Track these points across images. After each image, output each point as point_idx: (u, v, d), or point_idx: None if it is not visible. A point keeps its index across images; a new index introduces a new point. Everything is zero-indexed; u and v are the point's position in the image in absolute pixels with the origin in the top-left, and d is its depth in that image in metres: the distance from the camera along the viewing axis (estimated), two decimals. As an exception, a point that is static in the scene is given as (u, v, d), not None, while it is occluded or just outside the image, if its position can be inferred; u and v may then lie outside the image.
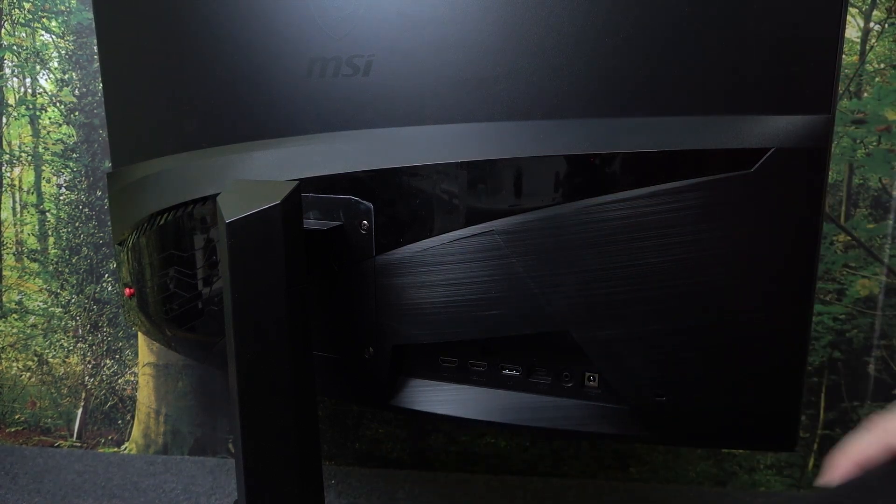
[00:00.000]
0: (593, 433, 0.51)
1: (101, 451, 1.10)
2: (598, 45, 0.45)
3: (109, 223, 1.02)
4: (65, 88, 1.00)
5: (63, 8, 0.97)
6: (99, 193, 1.03)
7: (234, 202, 0.46)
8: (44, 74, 1.00)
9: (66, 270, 1.05)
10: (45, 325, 1.07)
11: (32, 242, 1.05)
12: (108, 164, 1.01)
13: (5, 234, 1.05)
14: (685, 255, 0.44)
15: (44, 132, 1.01)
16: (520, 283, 0.48)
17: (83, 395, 1.09)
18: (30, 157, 1.02)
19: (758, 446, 0.49)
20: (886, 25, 0.86)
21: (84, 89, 1.00)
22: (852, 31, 0.86)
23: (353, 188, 0.52)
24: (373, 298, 0.53)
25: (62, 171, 1.02)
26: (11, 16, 0.98)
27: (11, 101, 1.01)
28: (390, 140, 0.50)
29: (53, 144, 1.01)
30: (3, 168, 1.03)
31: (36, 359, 1.08)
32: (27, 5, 0.98)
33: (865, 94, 0.87)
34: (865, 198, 0.90)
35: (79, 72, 0.99)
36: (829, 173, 0.82)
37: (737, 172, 0.43)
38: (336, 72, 0.52)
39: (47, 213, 1.04)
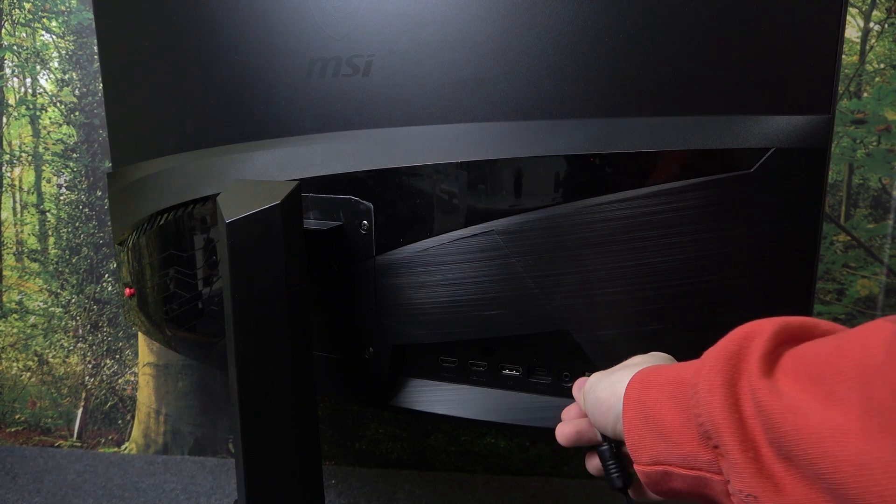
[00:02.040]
0: (593, 433, 0.51)
1: (101, 451, 1.10)
2: (598, 46, 0.45)
3: (109, 223, 1.02)
4: (65, 88, 1.00)
5: (63, 8, 0.97)
6: (99, 193, 1.03)
7: (234, 202, 0.46)
8: (44, 74, 1.00)
9: (66, 270, 1.05)
10: (45, 325, 1.07)
11: (32, 242, 1.05)
12: (108, 164, 1.01)
13: (5, 234, 1.05)
14: (685, 255, 0.44)
15: (44, 132, 1.01)
16: (520, 283, 0.48)
17: (83, 395, 1.09)
18: (30, 157, 1.02)
19: (758, 446, 0.49)
20: (886, 25, 0.86)
21: (84, 89, 1.00)
22: (852, 31, 0.86)
23: (353, 188, 0.52)
24: (373, 298, 0.53)
25: (62, 171, 1.02)
26: (11, 16, 0.98)
27: (11, 101, 1.01)
28: (390, 140, 0.50)
29: (53, 144, 1.01)
30: (4, 168, 1.03)
31: (36, 359, 1.08)
32: (27, 5, 0.98)
33: (865, 94, 0.87)
34: (865, 198, 0.90)
35: (79, 72, 0.99)
36: (829, 173, 0.82)
37: (737, 172, 0.43)
38: (336, 72, 0.52)
39: (47, 213, 1.04)
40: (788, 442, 0.26)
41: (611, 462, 0.40)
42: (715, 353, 0.30)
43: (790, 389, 0.27)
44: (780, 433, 0.26)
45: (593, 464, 0.42)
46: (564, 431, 0.42)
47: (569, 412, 0.44)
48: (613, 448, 0.40)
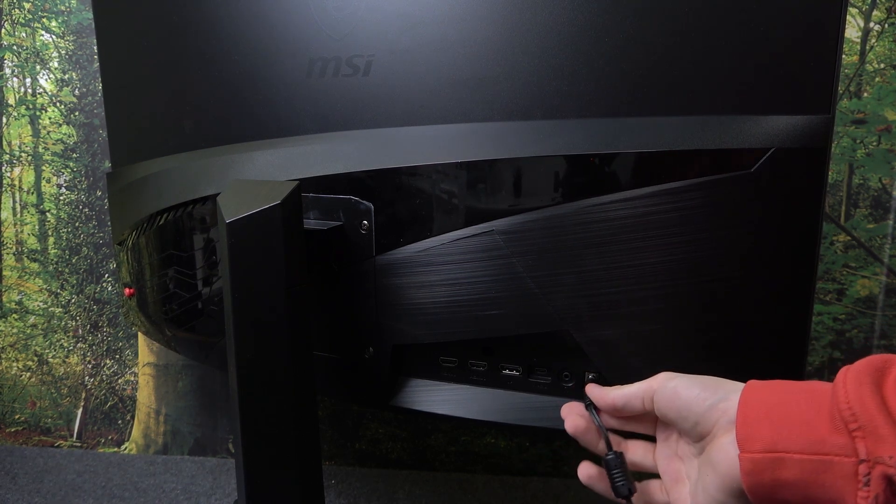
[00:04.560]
0: (593, 433, 0.51)
1: (101, 451, 1.10)
2: (598, 45, 0.45)
3: (109, 223, 1.02)
4: (65, 88, 1.00)
5: (63, 8, 0.97)
6: (99, 193, 1.03)
7: (234, 202, 0.46)
8: (44, 74, 1.00)
9: (66, 270, 1.05)
10: (45, 325, 1.07)
11: (32, 242, 1.05)
12: (108, 164, 1.01)
13: (5, 234, 1.05)
14: (685, 255, 0.44)
15: (44, 132, 1.01)
16: (520, 283, 0.48)
17: (83, 395, 1.09)
18: (30, 157, 1.02)
19: (758, 446, 0.49)
20: (886, 25, 0.86)
21: (84, 89, 1.00)
22: (852, 31, 0.86)
23: (353, 188, 0.52)
24: (373, 298, 0.53)
25: (62, 171, 1.02)
26: (11, 16, 0.98)
27: (11, 101, 1.01)
28: (390, 140, 0.50)
29: (53, 144, 1.01)
30: (3, 168, 1.03)
31: (36, 359, 1.08)
32: (27, 5, 0.98)
33: (865, 94, 0.87)
34: (865, 198, 0.90)
35: (79, 72, 0.99)
36: (829, 173, 0.82)
37: (737, 172, 0.43)
38: (336, 72, 0.52)
39: (47, 213, 1.04)
40: None
41: (616, 471, 0.42)
42: (857, 367, 0.35)
43: None
44: None
45: (585, 472, 0.45)
46: (576, 423, 0.45)
47: (571, 408, 0.46)
48: (619, 457, 0.43)
